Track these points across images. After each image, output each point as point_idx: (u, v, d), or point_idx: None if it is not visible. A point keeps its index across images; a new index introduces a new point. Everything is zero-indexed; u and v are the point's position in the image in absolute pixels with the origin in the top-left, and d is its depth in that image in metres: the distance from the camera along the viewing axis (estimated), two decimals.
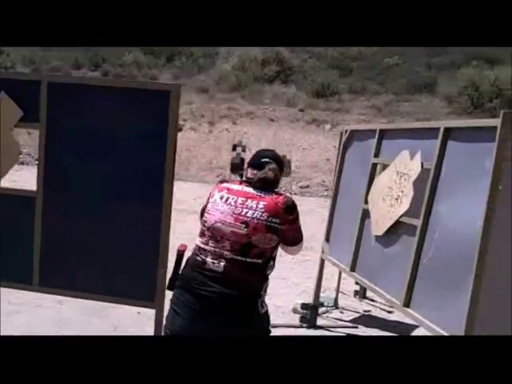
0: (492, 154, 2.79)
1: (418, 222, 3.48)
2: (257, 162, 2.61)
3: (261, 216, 2.39)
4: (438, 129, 3.42)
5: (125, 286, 3.23)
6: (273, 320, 5.22)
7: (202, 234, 2.54)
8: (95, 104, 3.21)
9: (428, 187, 3.42)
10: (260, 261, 2.42)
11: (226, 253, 2.41)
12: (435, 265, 3.31)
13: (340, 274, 5.79)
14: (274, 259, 2.53)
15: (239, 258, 2.39)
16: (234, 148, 2.50)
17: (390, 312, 5.82)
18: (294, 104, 24.23)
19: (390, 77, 27.91)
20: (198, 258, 2.48)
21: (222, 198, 2.50)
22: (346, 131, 5.20)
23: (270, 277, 2.59)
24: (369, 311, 5.95)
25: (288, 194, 2.62)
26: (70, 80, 3.51)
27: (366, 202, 4.40)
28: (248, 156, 3.05)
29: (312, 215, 13.28)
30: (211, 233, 2.48)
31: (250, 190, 2.49)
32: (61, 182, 3.28)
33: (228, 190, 2.54)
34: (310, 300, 5.45)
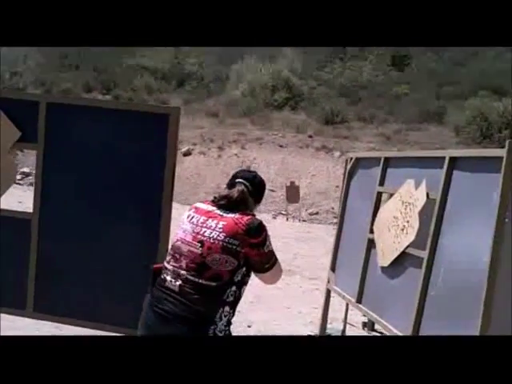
0: (498, 185, 2.72)
1: (425, 254, 3.39)
2: (230, 182, 2.53)
3: (218, 236, 2.28)
4: (444, 158, 3.35)
5: (123, 314, 3.14)
6: None
7: (168, 253, 2.48)
8: (94, 126, 3.18)
9: (434, 218, 3.34)
10: (214, 284, 2.27)
11: (182, 272, 2.32)
12: (443, 298, 3.21)
13: (347, 304, 5.66)
14: (237, 285, 2.34)
15: (193, 278, 2.29)
16: None
17: None
18: (303, 130, 24.29)
19: (399, 106, 27.98)
20: (162, 277, 2.41)
21: (188, 217, 2.43)
22: (351, 159, 5.13)
23: (241, 307, 2.45)
24: None
25: (256, 217, 2.39)
26: (68, 101, 3.47)
27: (372, 231, 4.31)
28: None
29: (320, 243, 13.16)
30: (173, 251, 2.41)
31: (214, 209, 2.40)
32: (57, 203, 3.23)
33: (195, 208, 2.46)
34: (316, 331, 5.33)
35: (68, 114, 3.22)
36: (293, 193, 18.19)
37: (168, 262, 2.41)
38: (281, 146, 23.07)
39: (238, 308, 2.45)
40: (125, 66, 34.97)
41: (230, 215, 2.34)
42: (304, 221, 18.45)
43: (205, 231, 2.32)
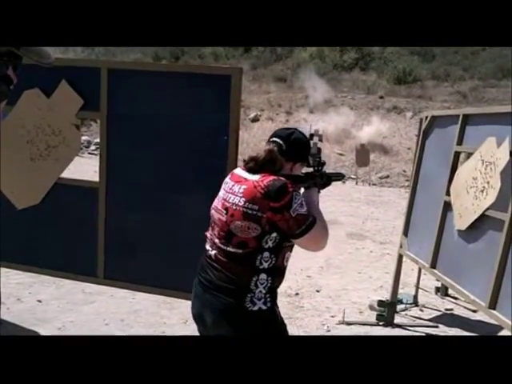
0: None
1: (506, 216, 3.18)
2: (267, 142, 2.34)
3: (239, 202, 2.13)
4: None
5: (188, 280, 3.14)
6: (348, 317, 5.06)
7: None
8: (156, 90, 3.11)
9: None
10: (241, 251, 2.13)
11: (215, 240, 2.24)
12: None
13: (420, 269, 5.48)
14: (270, 251, 2.15)
15: (223, 246, 2.20)
16: (311, 137, 2.33)
17: (474, 311, 5.45)
18: (374, 91, 23.62)
19: (475, 62, 26.61)
20: (205, 245, 2.36)
21: (224, 184, 2.31)
22: (426, 117, 4.87)
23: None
24: (451, 310, 5.60)
25: (281, 178, 2.14)
26: (129, 66, 3.40)
27: (448, 193, 4.10)
28: (324, 146, 2.73)
29: (391, 207, 12.88)
30: (210, 219, 2.34)
31: (242, 173, 2.25)
32: (123, 171, 3.22)
33: (231, 174, 2.32)
34: (387, 296, 5.20)
35: (129, 79, 3.15)
36: (363, 156, 17.81)
37: (207, 231, 2.35)
38: (351, 109, 22.57)
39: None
40: None
41: (253, 178, 2.17)
42: (374, 184, 18.10)
43: (229, 197, 2.20)
